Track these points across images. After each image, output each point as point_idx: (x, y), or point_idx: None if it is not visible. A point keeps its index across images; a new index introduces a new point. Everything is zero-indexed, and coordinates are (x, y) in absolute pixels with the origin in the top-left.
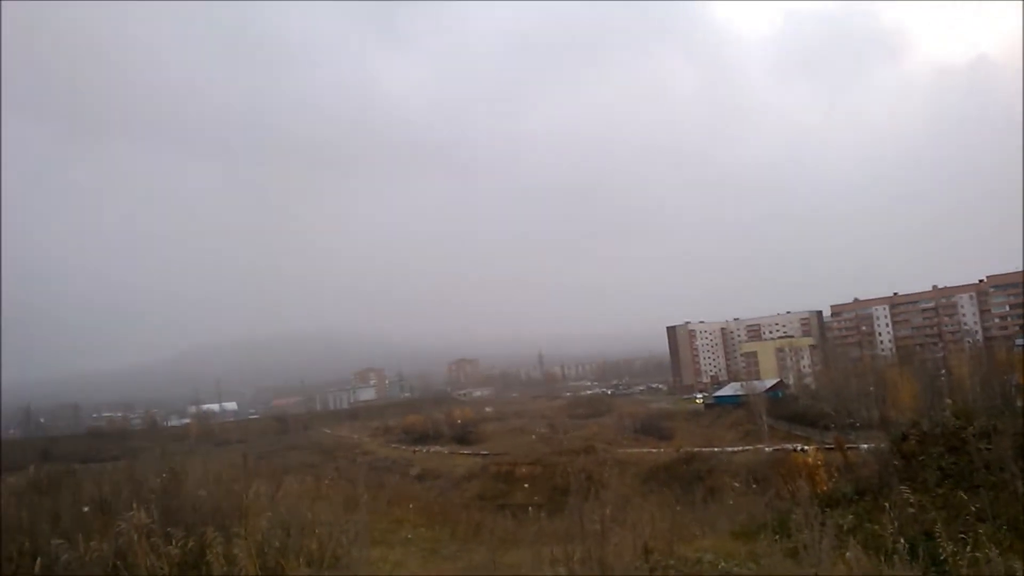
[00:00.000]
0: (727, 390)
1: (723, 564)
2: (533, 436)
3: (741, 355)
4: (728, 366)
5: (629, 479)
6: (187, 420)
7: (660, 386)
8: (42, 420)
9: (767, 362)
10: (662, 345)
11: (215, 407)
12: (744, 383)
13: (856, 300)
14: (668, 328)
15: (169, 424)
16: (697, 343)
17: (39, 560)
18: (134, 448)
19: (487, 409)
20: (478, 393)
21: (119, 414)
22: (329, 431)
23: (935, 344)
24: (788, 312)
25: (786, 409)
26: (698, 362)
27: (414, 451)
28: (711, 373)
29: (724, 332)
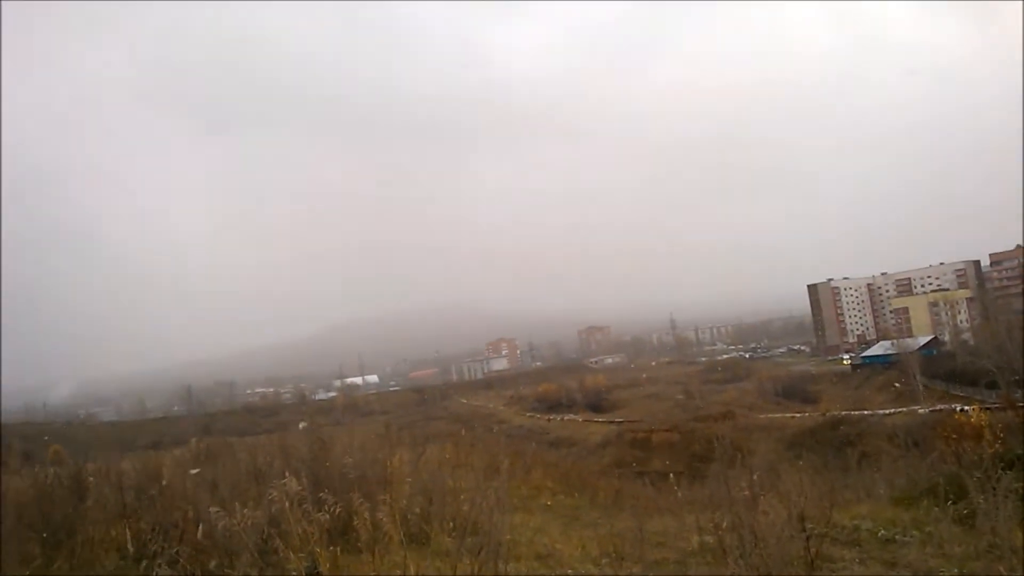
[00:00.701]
0: (876, 349)
1: (883, 531)
2: (668, 402)
3: (891, 311)
4: (876, 324)
5: (772, 445)
6: (333, 393)
7: (802, 348)
8: (202, 398)
9: (920, 318)
10: (802, 305)
11: (358, 380)
12: (895, 341)
13: (1019, 247)
14: (809, 287)
15: (316, 398)
16: (841, 301)
17: (200, 526)
18: (285, 421)
19: (620, 376)
20: (610, 360)
21: (270, 389)
22: (465, 401)
23: None
24: (941, 263)
25: (942, 367)
26: (843, 321)
27: (548, 419)
28: (857, 332)
29: (871, 288)
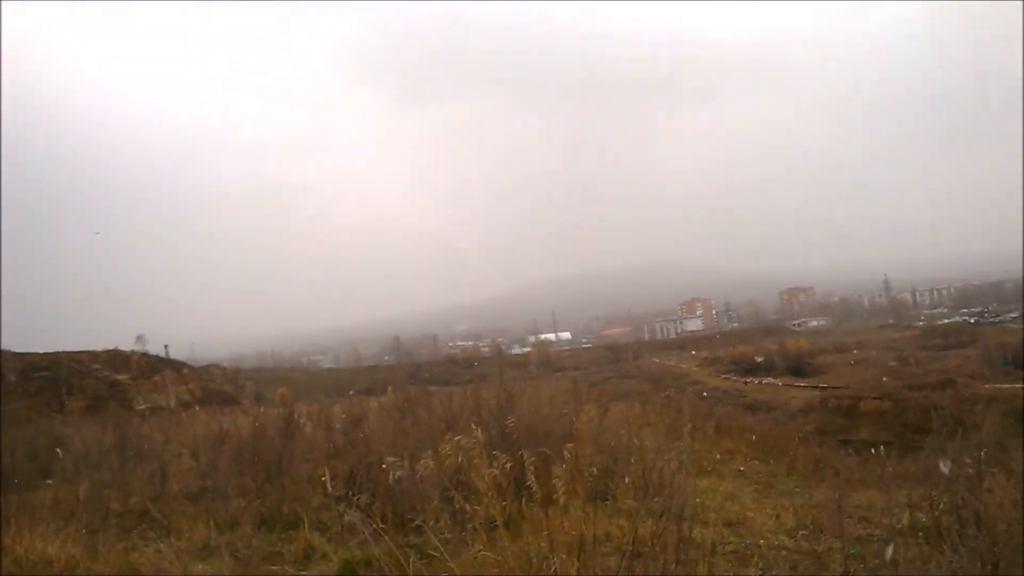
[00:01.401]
0: None
1: None
2: (879, 368)
3: None
4: None
5: (1000, 418)
6: (527, 348)
7: None
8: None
9: None
10: None
11: (552, 336)
12: None
13: None
14: None
15: (512, 352)
16: None
17: (392, 472)
18: (482, 373)
19: (824, 340)
20: (814, 323)
21: (469, 343)
22: (657, 360)
23: None
24: None
25: None
26: None
27: (745, 382)
28: None
29: None
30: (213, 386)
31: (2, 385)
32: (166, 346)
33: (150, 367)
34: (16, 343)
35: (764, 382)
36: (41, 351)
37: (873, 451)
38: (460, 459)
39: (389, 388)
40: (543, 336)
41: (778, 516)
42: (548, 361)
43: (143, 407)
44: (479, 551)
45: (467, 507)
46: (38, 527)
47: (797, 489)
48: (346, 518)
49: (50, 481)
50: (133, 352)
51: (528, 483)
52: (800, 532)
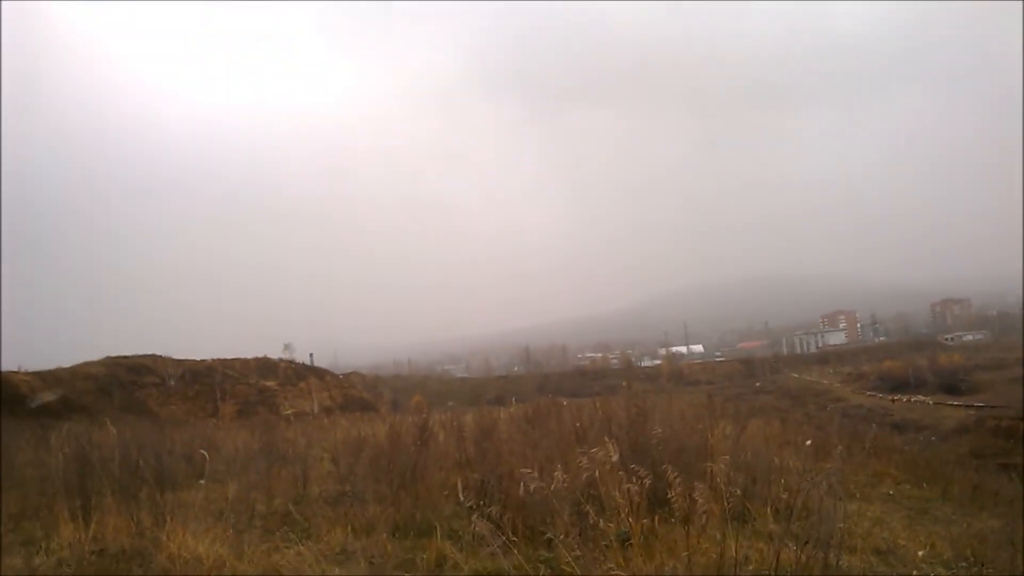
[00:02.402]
0: None
1: None
2: None
3: None
4: None
5: None
6: (657, 361)
7: None
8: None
9: None
10: None
11: (683, 349)
12: None
13: None
14: None
15: (642, 364)
16: None
17: (522, 484)
18: (611, 385)
19: (981, 355)
20: (969, 337)
21: (599, 355)
22: (796, 375)
23: None
24: None
25: None
26: None
27: (892, 400)
28: None
29: None
30: (353, 393)
31: (167, 389)
32: (311, 354)
33: (296, 374)
34: (178, 350)
35: (913, 400)
36: (198, 359)
37: None
38: (595, 472)
39: (513, 399)
40: (674, 349)
41: (933, 545)
42: (679, 374)
43: (288, 412)
44: (611, 569)
45: (600, 522)
46: (190, 525)
47: (954, 516)
48: (476, 528)
49: (202, 481)
50: (281, 360)
51: (668, 498)
52: (960, 564)
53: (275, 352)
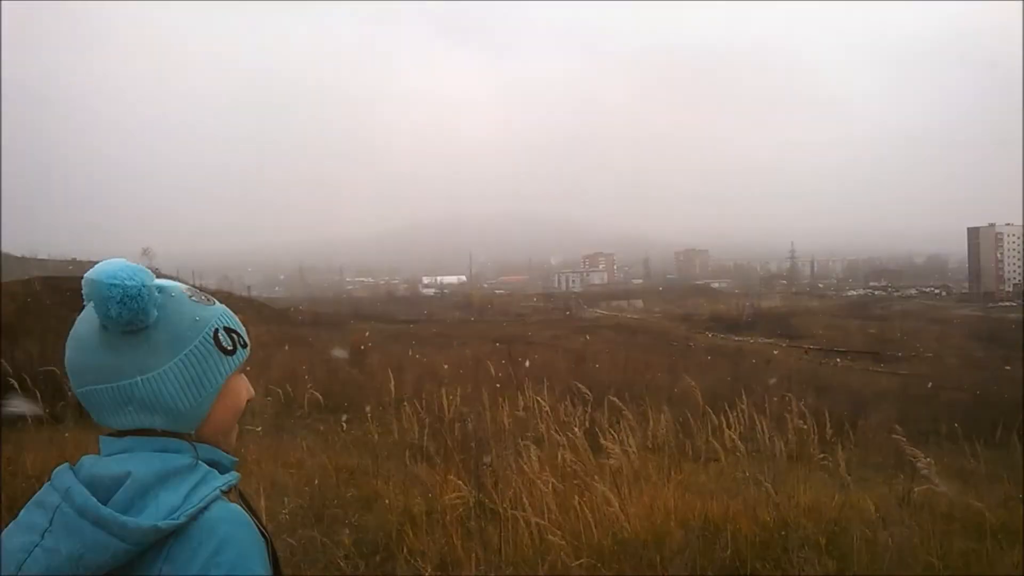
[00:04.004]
0: None
1: None
2: (862, 335)
3: None
4: None
5: None
6: (432, 291)
7: (936, 291)
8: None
9: None
10: (922, 246)
11: (453, 279)
12: None
13: None
14: (969, 230)
15: (428, 293)
16: (1003, 247)
17: None
18: (435, 316)
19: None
20: (716, 285)
21: (368, 279)
22: (606, 312)
23: None
24: None
25: None
26: (1001, 269)
27: (747, 341)
28: (1014, 282)
29: None
30: None
31: None
32: None
33: None
34: None
35: (760, 342)
36: None
37: None
38: None
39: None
40: (440, 278)
41: None
42: (490, 305)
43: None
44: None
45: None
46: None
47: None
48: None
49: None
50: None
51: None
52: None
53: None
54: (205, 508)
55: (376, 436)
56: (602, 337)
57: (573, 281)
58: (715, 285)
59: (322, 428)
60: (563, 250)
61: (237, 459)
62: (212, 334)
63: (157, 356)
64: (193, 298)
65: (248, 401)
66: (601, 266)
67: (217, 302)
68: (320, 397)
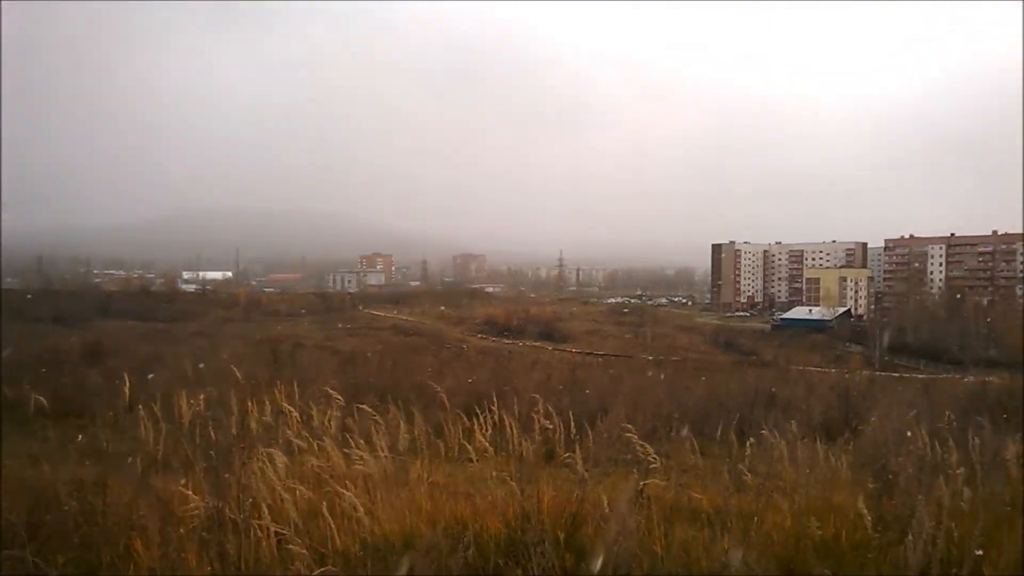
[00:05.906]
0: (796, 313)
1: None
2: (618, 340)
3: (806, 280)
4: (765, 289)
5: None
6: (193, 286)
7: (684, 300)
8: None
9: (830, 289)
10: (671, 259)
11: (217, 275)
12: (811, 308)
13: (911, 236)
14: (713, 245)
15: (189, 288)
16: (741, 263)
17: None
18: (186, 311)
19: (529, 307)
20: (490, 289)
21: (119, 272)
22: (382, 314)
23: (987, 288)
24: (833, 241)
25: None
26: (739, 282)
27: (522, 344)
28: (748, 294)
29: (766, 255)
30: None
31: None
32: None
33: None
34: None
35: (527, 344)
36: None
37: None
38: None
39: None
40: (207, 273)
41: None
42: (258, 303)
43: None
44: None
45: None
46: None
47: None
48: None
49: None
50: None
51: None
52: None
53: None
54: None
55: (107, 444)
56: (376, 338)
57: (349, 281)
58: (489, 289)
59: (51, 436)
60: (340, 249)
61: None
62: None
63: None
64: None
65: None
66: (379, 267)
67: None
68: (45, 401)
